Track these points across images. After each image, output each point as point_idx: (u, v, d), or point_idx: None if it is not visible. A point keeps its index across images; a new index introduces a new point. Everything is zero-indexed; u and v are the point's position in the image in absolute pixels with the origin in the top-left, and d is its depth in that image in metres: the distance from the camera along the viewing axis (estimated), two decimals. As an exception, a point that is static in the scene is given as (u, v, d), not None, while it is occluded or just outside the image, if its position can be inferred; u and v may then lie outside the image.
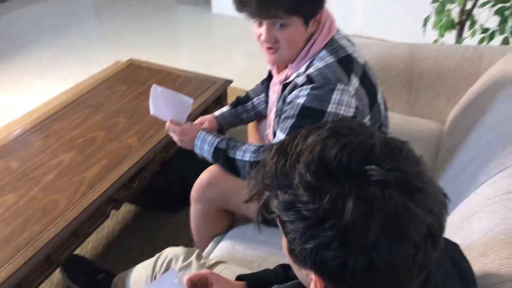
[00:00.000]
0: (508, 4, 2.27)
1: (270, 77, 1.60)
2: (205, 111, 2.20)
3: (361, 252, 0.57)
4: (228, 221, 1.57)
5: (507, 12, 2.27)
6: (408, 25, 2.99)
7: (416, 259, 0.58)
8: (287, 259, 0.73)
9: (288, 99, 1.37)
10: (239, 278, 1.10)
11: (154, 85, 1.53)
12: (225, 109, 1.77)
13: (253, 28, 1.39)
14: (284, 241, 0.69)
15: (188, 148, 1.54)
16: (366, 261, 0.57)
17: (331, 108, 1.31)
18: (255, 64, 3.49)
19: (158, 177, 1.98)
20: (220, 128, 1.72)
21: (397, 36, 3.04)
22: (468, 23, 2.45)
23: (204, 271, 1.03)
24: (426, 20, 2.50)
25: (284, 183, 0.63)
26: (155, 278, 1.30)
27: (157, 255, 1.36)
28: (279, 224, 0.68)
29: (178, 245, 1.38)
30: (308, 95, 1.31)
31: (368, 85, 1.40)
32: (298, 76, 1.36)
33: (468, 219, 1.07)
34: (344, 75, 1.32)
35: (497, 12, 2.30)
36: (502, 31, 2.30)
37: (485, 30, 2.42)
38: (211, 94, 2.22)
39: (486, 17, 2.39)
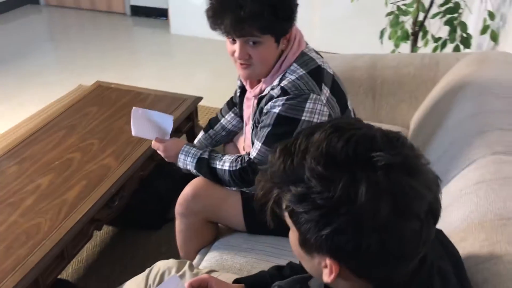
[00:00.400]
0: (456, 15, 2.44)
1: (243, 91, 1.67)
2: (177, 129, 2.24)
3: (374, 232, 0.63)
4: (213, 232, 1.61)
5: (455, 22, 2.43)
6: (365, 38, 3.13)
7: (422, 234, 0.66)
8: (296, 253, 0.78)
9: (265, 110, 1.44)
10: (237, 281, 1.14)
11: (134, 107, 1.57)
12: (200, 135, 1.84)
13: (226, 45, 1.45)
14: (293, 236, 0.75)
15: (173, 162, 1.58)
16: (379, 240, 0.64)
17: (305, 116, 1.38)
18: (218, 82, 3.56)
19: (135, 196, 1.99)
20: None
21: (355, 50, 3.19)
22: (421, 34, 2.61)
23: (204, 276, 1.07)
24: (382, 33, 2.64)
25: (294, 178, 0.68)
26: (148, 292, 1.32)
27: (147, 269, 1.38)
28: (288, 219, 0.73)
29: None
30: (283, 105, 1.39)
31: (338, 93, 1.49)
32: (272, 88, 1.43)
33: (444, 210, 1.15)
34: (315, 86, 1.40)
35: (447, 23, 2.46)
36: (452, 40, 2.47)
37: (437, 40, 2.58)
38: (183, 111, 2.27)
39: (437, 27, 2.56)
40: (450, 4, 2.43)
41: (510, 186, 1.08)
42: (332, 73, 1.49)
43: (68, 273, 1.93)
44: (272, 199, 0.74)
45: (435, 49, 2.53)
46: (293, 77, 1.40)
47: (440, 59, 2.08)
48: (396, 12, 2.55)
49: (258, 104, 1.49)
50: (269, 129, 1.42)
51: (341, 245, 0.65)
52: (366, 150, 0.66)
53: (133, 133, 1.60)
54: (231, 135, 1.84)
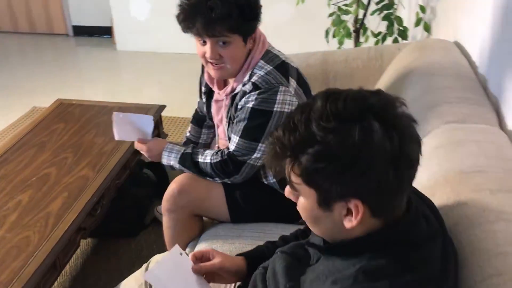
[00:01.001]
0: (392, 11, 2.67)
1: (209, 96, 1.77)
2: (145, 137, 2.31)
3: (389, 166, 0.77)
4: (199, 225, 1.70)
5: (392, 17, 2.66)
6: (310, 39, 3.31)
7: (415, 170, 0.81)
8: (309, 219, 0.89)
9: (239, 106, 1.56)
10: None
11: (115, 112, 1.65)
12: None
13: (196, 48, 1.56)
14: (309, 201, 0.85)
15: (157, 161, 1.66)
16: (393, 172, 0.77)
17: (276, 108, 1.51)
18: (168, 94, 3.62)
19: (113, 204, 2.04)
20: None
21: (302, 51, 3.38)
22: (361, 30, 2.83)
23: (206, 248, 1.16)
24: (327, 32, 2.83)
25: (307, 143, 0.78)
26: (150, 285, 1.39)
27: (144, 264, 1.44)
28: (304, 186, 0.83)
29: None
30: (256, 99, 1.51)
31: (303, 84, 1.64)
32: (244, 85, 1.55)
33: (411, 175, 1.32)
34: (283, 79, 1.54)
35: (385, 18, 2.69)
36: (391, 33, 2.69)
37: (376, 35, 2.80)
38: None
39: (377, 23, 2.78)
40: (386, 1, 2.66)
41: (464, 147, 1.25)
42: (296, 67, 1.63)
43: (54, 287, 1.94)
44: (286, 171, 0.84)
45: (376, 43, 2.75)
46: (262, 73, 1.53)
47: (383, 50, 2.27)
48: (338, 13, 2.75)
49: (232, 101, 1.60)
50: (244, 123, 1.53)
51: (365, 184, 0.78)
52: (363, 101, 0.79)
53: (116, 138, 1.67)
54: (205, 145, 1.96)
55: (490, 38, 1.64)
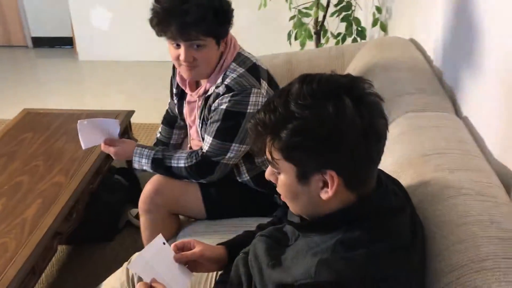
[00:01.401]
0: (350, 12, 2.79)
1: (181, 97, 1.81)
2: (115, 143, 2.32)
3: (362, 137, 0.85)
4: (176, 224, 1.74)
5: (350, 18, 2.78)
6: (272, 43, 3.39)
7: (383, 144, 0.90)
8: (288, 196, 0.96)
9: (213, 107, 1.61)
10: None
11: (79, 120, 1.65)
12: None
13: (169, 50, 1.60)
14: (288, 176, 0.91)
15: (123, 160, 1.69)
16: (364, 144, 0.85)
17: (249, 109, 1.57)
18: (133, 101, 3.62)
19: (87, 209, 2.05)
20: None
21: (266, 53, 3.47)
22: (322, 32, 2.93)
23: (187, 239, 1.19)
24: (289, 35, 2.93)
25: (286, 119, 0.86)
26: (132, 281, 1.42)
27: (125, 264, 1.47)
28: (283, 162, 0.89)
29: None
30: (229, 101, 1.56)
31: (275, 86, 1.70)
32: (217, 87, 1.60)
33: (377, 162, 1.41)
34: (255, 81, 1.60)
35: (343, 19, 2.80)
36: (350, 34, 2.81)
37: (336, 36, 2.91)
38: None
39: (336, 24, 2.89)
40: (344, 3, 2.77)
41: (424, 133, 1.35)
42: (266, 68, 1.70)
43: (31, 295, 1.93)
44: (267, 149, 0.91)
45: (337, 44, 2.86)
46: (234, 75, 1.58)
47: (344, 49, 2.38)
48: (299, 16, 2.85)
49: (206, 102, 1.64)
50: (218, 124, 1.58)
51: (339, 156, 0.85)
52: (335, 82, 0.87)
53: (83, 147, 1.68)
54: (177, 146, 2.00)
55: (443, 34, 1.75)
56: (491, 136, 1.33)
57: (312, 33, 2.88)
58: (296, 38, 2.90)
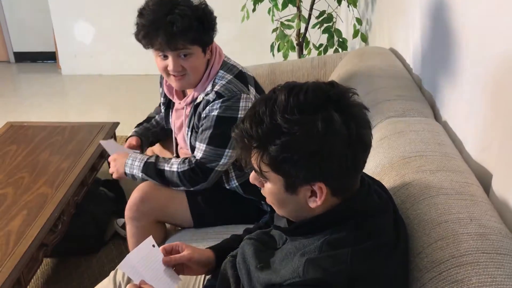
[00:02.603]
0: (331, 24, 2.85)
1: (168, 106, 1.84)
2: (100, 155, 2.33)
3: (349, 149, 0.86)
4: (163, 232, 1.74)
5: (332, 30, 2.84)
6: (255, 55, 3.44)
7: (368, 153, 0.92)
8: (276, 203, 0.97)
9: (203, 114, 1.62)
10: None
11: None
12: (134, 129, 1.94)
13: (156, 62, 1.61)
14: (276, 186, 0.92)
15: (120, 171, 1.69)
16: (352, 154, 0.87)
17: (240, 114, 1.60)
18: (117, 114, 3.62)
19: (72, 221, 2.04)
20: (141, 143, 1.89)
21: (249, 64, 3.51)
22: (304, 44, 2.99)
23: (175, 243, 1.20)
24: (272, 46, 2.97)
25: (273, 134, 0.86)
26: (120, 289, 1.42)
27: (112, 272, 1.47)
28: (271, 173, 0.90)
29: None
30: (220, 107, 1.58)
31: (261, 92, 1.74)
32: (206, 94, 1.62)
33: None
34: (243, 87, 1.63)
35: (325, 31, 2.86)
36: (331, 45, 2.87)
37: (318, 47, 2.97)
38: (104, 136, 2.36)
39: (318, 36, 2.95)
40: (325, 15, 2.83)
41: (405, 137, 1.39)
42: (252, 76, 1.73)
43: (16, 308, 1.91)
44: (254, 160, 0.91)
45: (319, 55, 2.91)
46: (223, 82, 1.61)
47: (326, 60, 2.43)
48: (281, 28, 2.90)
49: (195, 110, 1.65)
50: (210, 131, 1.59)
51: (328, 168, 0.87)
52: (322, 93, 0.88)
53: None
54: (163, 132, 1.96)
55: (421, 43, 1.81)
56: (468, 139, 1.38)
57: (295, 45, 2.93)
58: (279, 50, 2.95)
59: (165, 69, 1.58)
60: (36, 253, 1.68)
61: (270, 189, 0.95)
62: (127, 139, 1.90)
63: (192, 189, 1.65)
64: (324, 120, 0.84)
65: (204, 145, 1.60)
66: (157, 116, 1.99)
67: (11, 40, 4.75)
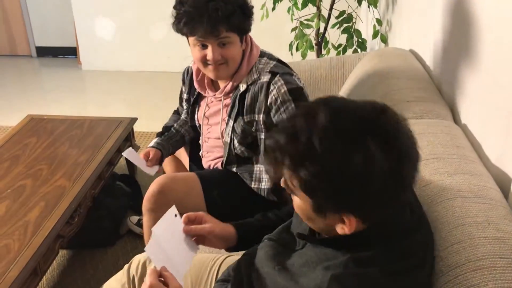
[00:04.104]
0: (350, 24, 2.83)
1: (196, 100, 1.83)
2: (118, 150, 2.35)
3: (387, 187, 0.80)
4: (179, 225, 1.75)
5: (351, 30, 2.82)
6: (275, 51, 3.44)
7: (413, 182, 0.87)
8: (303, 216, 0.92)
9: (270, 99, 1.59)
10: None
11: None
12: (155, 140, 1.92)
13: (193, 52, 1.60)
14: (304, 204, 0.87)
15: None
16: (391, 191, 0.81)
17: (301, 84, 1.65)
18: (135, 110, 3.65)
19: (88, 214, 2.07)
20: (161, 156, 1.87)
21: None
22: (323, 44, 2.98)
23: (199, 212, 1.18)
24: (291, 45, 2.97)
25: (307, 156, 0.79)
26: (133, 283, 1.43)
27: (126, 265, 1.48)
28: (301, 193, 0.84)
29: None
30: (283, 84, 1.58)
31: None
32: (253, 82, 1.62)
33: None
34: (290, 69, 1.68)
35: (344, 31, 2.84)
36: (351, 45, 2.85)
37: (337, 47, 2.95)
38: (121, 132, 2.38)
39: (337, 36, 2.93)
40: (345, 15, 2.82)
41: (422, 138, 1.37)
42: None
43: (32, 298, 1.94)
44: (286, 176, 0.86)
45: (337, 55, 2.90)
46: (271, 65, 1.64)
47: (345, 60, 2.41)
48: (300, 27, 2.89)
49: (241, 98, 1.64)
50: (291, 105, 1.57)
51: (360, 203, 0.81)
52: (369, 121, 0.80)
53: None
54: (182, 140, 1.97)
55: (442, 45, 1.79)
56: (488, 142, 1.36)
57: (313, 44, 2.92)
58: (297, 49, 2.94)
59: (203, 58, 1.58)
60: (53, 244, 1.71)
61: (298, 204, 0.91)
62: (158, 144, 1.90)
63: None
64: (364, 155, 0.77)
65: None
66: (175, 125, 1.98)
67: (33, 35, 4.83)
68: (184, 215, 1.15)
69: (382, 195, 0.82)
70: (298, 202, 0.90)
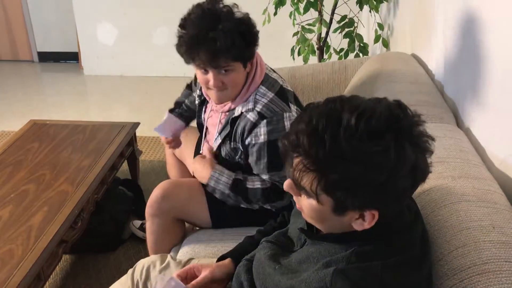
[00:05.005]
0: (352, 28, 2.84)
1: (202, 102, 1.81)
2: (120, 155, 2.36)
3: (411, 181, 0.83)
4: (182, 230, 1.74)
5: (353, 35, 2.83)
6: (275, 58, 3.45)
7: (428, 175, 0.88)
8: (316, 219, 0.92)
9: (249, 139, 1.57)
10: (220, 258, 1.29)
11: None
12: (166, 116, 1.91)
13: (197, 74, 1.56)
14: (318, 206, 0.86)
15: (202, 180, 1.66)
16: (413, 181, 0.84)
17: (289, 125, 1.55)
18: (139, 114, 3.67)
19: (91, 219, 2.07)
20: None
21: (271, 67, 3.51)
22: (325, 48, 2.98)
23: (188, 266, 1.19)
24: (292, 50, 2.98)
25: (336, 160, 0.78)
26: (137, 287, 1.43)
27: (130, 270, 1.48)
28: (324, 196, 0.84)
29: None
30: (266, 133, 1.54)
31: (300, 107, 1.69)
32: (247, 111, 1.57)
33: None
34: (285, 105, 1.58)
35: (346, 36, 2.85)
36: (352, 50, 2.86)
37: (339, 52, 2.96)
38: (124, 137, 2.39)
39: (339, 40, 2.94)
40: (346, 20, 2.83)
41: (426, 143, 1.38)
42: (291, 90, 1.69)
43: (34, 303, 1.94)
44: (307, 183, 0.84)
45: (339, 59, 2.90)
46: (265, 101, 1.56)
47: (347, 64, 2.42)
48: (302, 32, 2.90)
49: (233, 122, 1.61)
50: (265, 160, 1.56)
51: (386, 199, 0.83)
52: (394, 120, 0.80)
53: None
54: (194, 115, 1.90)
55: (444, 49, 1.79)
56: (491, 146, 1.36)
57: (315, 49, 2.93)
58: (299, 54, 2.94)
59: (206, 82, 1.54)
60: (56, 249, 1.71)
61: (313, 206, 0.89)
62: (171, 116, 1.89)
63: (268, 206, 1.63)
64: (397, 151, 0.78)
65: (267, 175, 1.58)
66: (186, 101, 1.94)
67: (35, 40, 4.84)
68: (174, 274, 1.16)
69: (406, 188, 0.84)
70: (314, 204, 0.88)
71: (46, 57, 4.90)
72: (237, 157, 1.66)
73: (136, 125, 2.53)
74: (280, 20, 3.02)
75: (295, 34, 2.97)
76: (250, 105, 1.58)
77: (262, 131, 1.54)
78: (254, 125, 1.56)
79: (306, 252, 0.99)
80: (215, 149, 1.70)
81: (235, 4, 1.54)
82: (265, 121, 1.54)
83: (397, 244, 0.91)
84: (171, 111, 1.93)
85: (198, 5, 1.50)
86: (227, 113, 1.66)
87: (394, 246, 0.91)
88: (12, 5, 4.70)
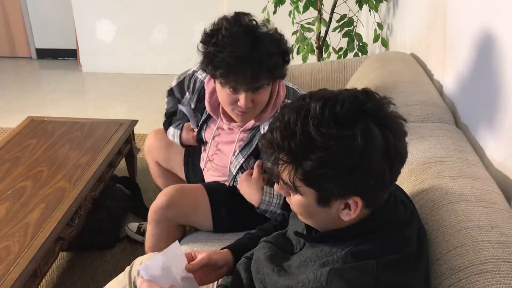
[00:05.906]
0: (351, 28, 2.83)
1: (206, 118, 1.72)
2: (118, 152, 2.35)
3: (386, 162, 0.84)
4: (181, 231, 1.73)
5: (352, 34, 2.82)
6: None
7: (406, 157, 0.89)
8: (305, 215, 0.94)
9: None
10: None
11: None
12: (175, 124, 1.87)
13: (220, 94, 1.46)
14: (307, 199, 0.89)
15: (252, 202, 1.57)
16: (389, 167, 0.85)
17: None
18: (137, 112, 3.66)
19: (89, 216, 2.06)
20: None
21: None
22: (324, 47, 2.98)
23: (188, 251, 1.18)
24: (292, 49, 2.96)
25: (308, 149, 0.82)
26: (134, 285, 1.42)
27: (127, 267, 1.47)
28: (304, 187, 0.86)
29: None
30: None
31: None
32: None
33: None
34: None
35: (345, 35, 2.85)
36: (351, 49, 2.85)
37: (338, 51, 2.96)
38: (122, 134, 2.38)
39: (338, 39, 2.94)
40: (346, 19, 2.82)
41: (425, 142, 1.38)
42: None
43: (31, 300, 1.93)
44: (286, 175, 0.87)
45: (338, 58, 2.90)
46: None
47: (346, 63, 2.41)
48: (301, 31, 2.89)
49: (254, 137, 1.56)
50: None
51: (366, 182, 0.84)
52: (359, 105, 0.84)
53: None
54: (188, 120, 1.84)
55: (443, 49, 1.79)
56: (490, 146, 1.36)
57: (314, 48, 2.92)
58: (298, 53, 2.94)
59: (234, 102, 1.43)
60: (53, 246, 1.70)
61: (299, 201, 0.92)
62: (181, 128, 1.82)
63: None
64: (363, 134, 0.81)
65: None
66: (179, 109, 1.87)
67: (33, 37, 4.82)
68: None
69: (384, 172, 0.85)
70: (299, 199, 0.91)
71: (44, 54, 4.88)
72: None
73: (134, 122, 2.52)
74: (279, 18, 3.00)
75: (294, 33, 2.96)
76: None
77: None
78: None
79: (304, 255, 1.00)
80: (237, 167, 1.62)
81: (267, 19, 1.47)
82: None
83: (393, 242, 0.92)
84: (166, 125, 1.89)
85: (228, 21, 1.40)
86: (248, 132, 1.59)
87: (389, 244, 0.91)
88: (10, 1, 4.68)
